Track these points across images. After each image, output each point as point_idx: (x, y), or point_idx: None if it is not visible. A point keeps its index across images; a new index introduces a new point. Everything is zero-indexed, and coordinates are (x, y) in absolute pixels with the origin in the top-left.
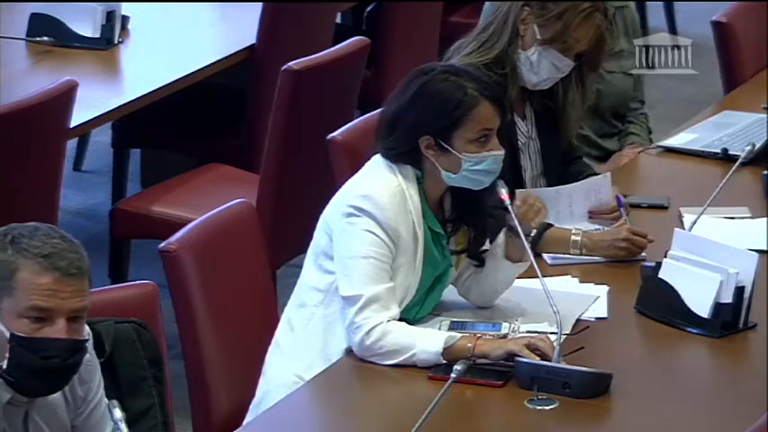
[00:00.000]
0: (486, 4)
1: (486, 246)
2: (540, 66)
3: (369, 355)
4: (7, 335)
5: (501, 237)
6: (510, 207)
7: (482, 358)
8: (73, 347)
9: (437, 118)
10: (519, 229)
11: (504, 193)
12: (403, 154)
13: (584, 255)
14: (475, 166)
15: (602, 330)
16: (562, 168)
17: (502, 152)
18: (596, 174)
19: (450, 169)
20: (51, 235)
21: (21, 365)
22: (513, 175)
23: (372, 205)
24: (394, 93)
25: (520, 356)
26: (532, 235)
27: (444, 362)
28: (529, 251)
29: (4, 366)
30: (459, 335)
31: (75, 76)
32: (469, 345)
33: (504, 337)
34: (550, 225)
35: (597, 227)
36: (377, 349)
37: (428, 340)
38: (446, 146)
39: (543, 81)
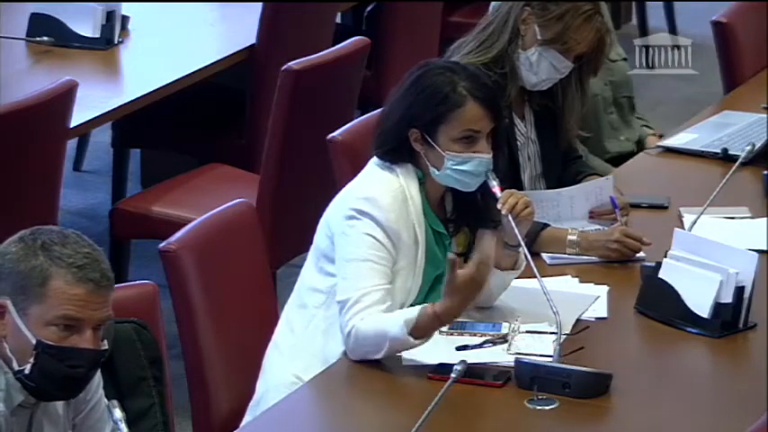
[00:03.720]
0: (493, 3)
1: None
2: (539, 66)
3: (358, 355)
4: (32, 341)
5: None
6: (498, 199)
7: (451, 317)
8: (97, 358)
9: (423, 111)
10: (513, 224)
11: (495, 185)
12: (393, 150)
13: (580, 254)
14: (458, 166)
15: (602, 330)
16: (561, 169)
17: (489, 156)
18: (596, 174)
19: (435, 165)
20: (81, 243)
21: (45, 372)
22: (511, 175)
23: (374, 208)
24: (394, 88)
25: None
26: (525, 238)
27: (419, 340)
28: (526, 252)
29: (27, 371)
30: (416, 310)
31: (76, 76)
32: (430, 312)
33: (504, 337)
34: (547, 225)
35: (598, 227)
36: (359, 348)
37: (393, 328)
38: (431, 141)
39: (542, 82)
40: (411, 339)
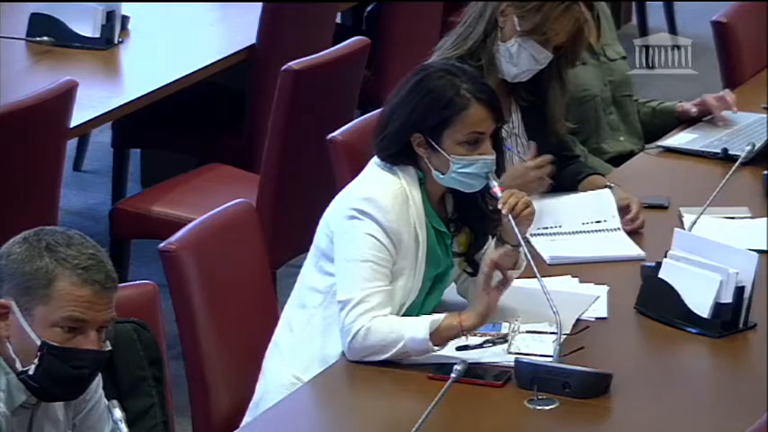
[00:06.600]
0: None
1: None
2: (519, 57)
3: (361, 356)
4: (37, 342)
5: (491, 245)
6: (499, 199)
7: (471, 331)
8: (101, 359)
9: (427, 116)
10: (513, 224)
11: (496, 186)
12: (395, 154)
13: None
14: (463, 169)
15: (602, 330)
16: (561, 166)
17: (493, 156)
18: (596, 173)
19: (440, 169)
20: (85, 244)
21: (49, 373)
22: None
23: (375, 208)
24: (393, 91)
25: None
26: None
27: (436, 347)
28: (526, 252)
29: (31, 372)
30: (443, 315)
31: (76, 76)
32: (455, 323)
33: (504, 337)
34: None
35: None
36: (365, 350)
37: (414, 328)
38: (435, 145)
39: (522, 73)
40: (430, 344)
